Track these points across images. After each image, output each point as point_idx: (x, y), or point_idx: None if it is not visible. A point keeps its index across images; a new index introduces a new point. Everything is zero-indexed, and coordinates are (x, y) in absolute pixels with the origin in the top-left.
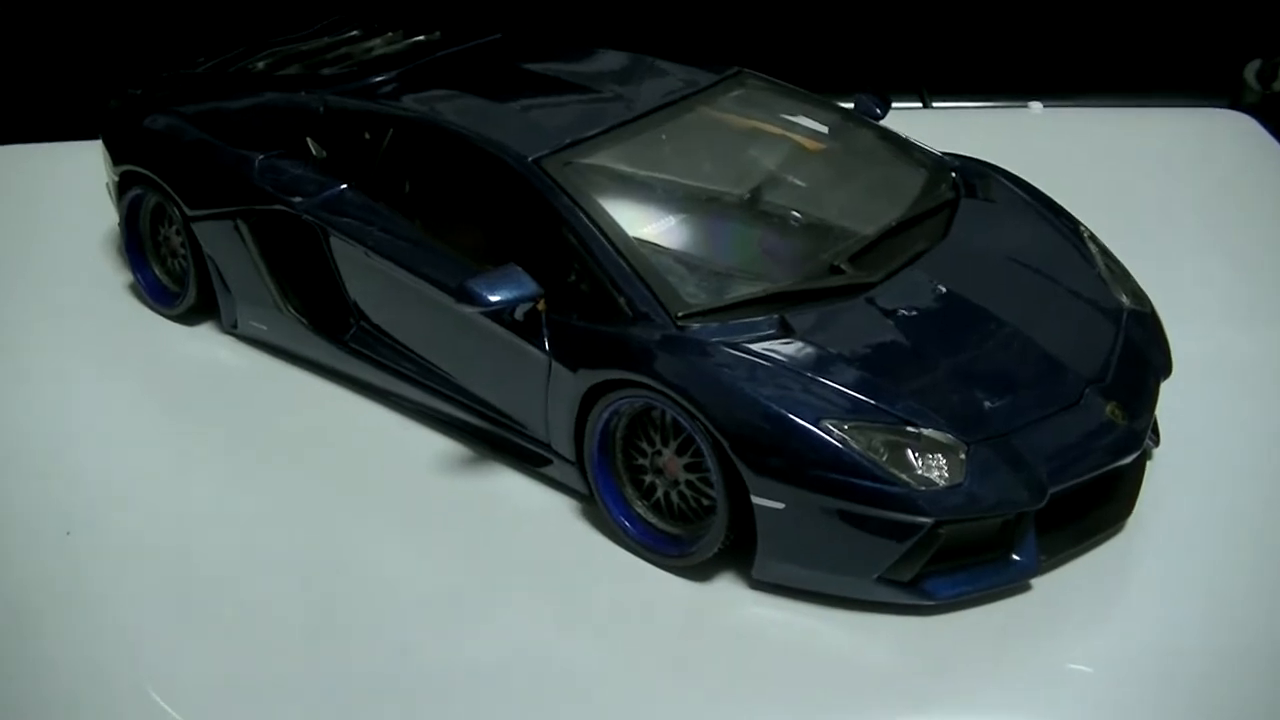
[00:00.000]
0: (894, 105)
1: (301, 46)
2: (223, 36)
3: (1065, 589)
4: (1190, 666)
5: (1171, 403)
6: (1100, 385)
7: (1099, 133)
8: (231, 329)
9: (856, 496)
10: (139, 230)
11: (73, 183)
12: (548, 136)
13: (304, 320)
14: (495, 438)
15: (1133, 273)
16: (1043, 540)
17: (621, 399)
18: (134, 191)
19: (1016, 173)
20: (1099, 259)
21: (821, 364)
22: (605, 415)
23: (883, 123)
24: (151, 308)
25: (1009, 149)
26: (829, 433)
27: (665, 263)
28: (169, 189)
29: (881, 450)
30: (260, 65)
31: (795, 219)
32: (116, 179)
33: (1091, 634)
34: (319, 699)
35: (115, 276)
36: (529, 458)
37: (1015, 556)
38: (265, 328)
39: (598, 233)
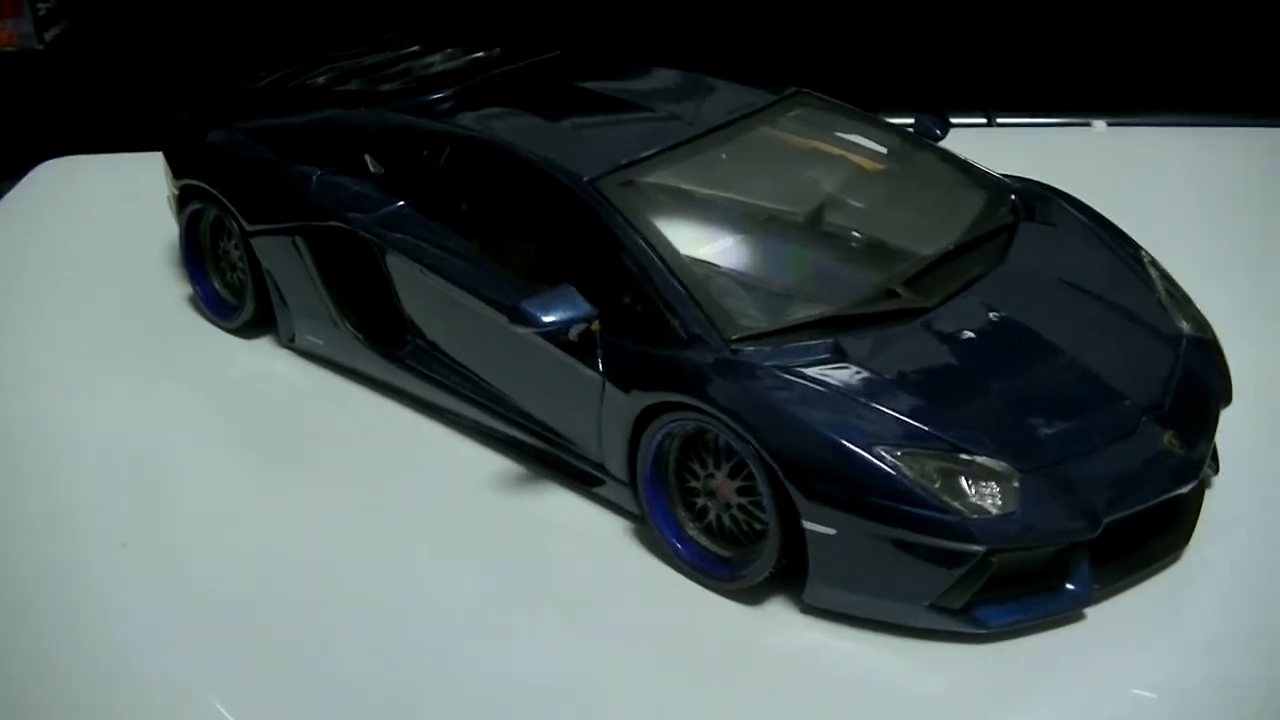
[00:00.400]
0: (957, 123)
1: (362, 62)
2: (286, 51)
3: (1120, 619)
4: (1245, 698)
5: (1232, 430)
6: (1158, 413)
7: (1166, 152)
8: (289, 343)
9: (908, 524)
10: (199, 243)
11: (136, 194)
12: (604, 156)
13: (360, 335)
14: (548, 456)
15: (1196, 296)
16: (1097, 569)
17: (674, 421)
18: (194, 205)
19: (1079, 192)
20: (1159, 284)
21: (875, 389)
22: (658, 437)
23: (943, 143)
24: (210, 320)
25: (1071, 168)
26: (882, 459)
27: (720, 285)
28: (228, 203)
29: (934, 477)
30: (320, 80)
31: (852, 241)
32: (177, 192)
33: (1146, 665)
34: (357, 710)
35: (175, 289)
36: (582, 477)
37: (1069, 585)
38: (322, 342)
39: (652, 254)
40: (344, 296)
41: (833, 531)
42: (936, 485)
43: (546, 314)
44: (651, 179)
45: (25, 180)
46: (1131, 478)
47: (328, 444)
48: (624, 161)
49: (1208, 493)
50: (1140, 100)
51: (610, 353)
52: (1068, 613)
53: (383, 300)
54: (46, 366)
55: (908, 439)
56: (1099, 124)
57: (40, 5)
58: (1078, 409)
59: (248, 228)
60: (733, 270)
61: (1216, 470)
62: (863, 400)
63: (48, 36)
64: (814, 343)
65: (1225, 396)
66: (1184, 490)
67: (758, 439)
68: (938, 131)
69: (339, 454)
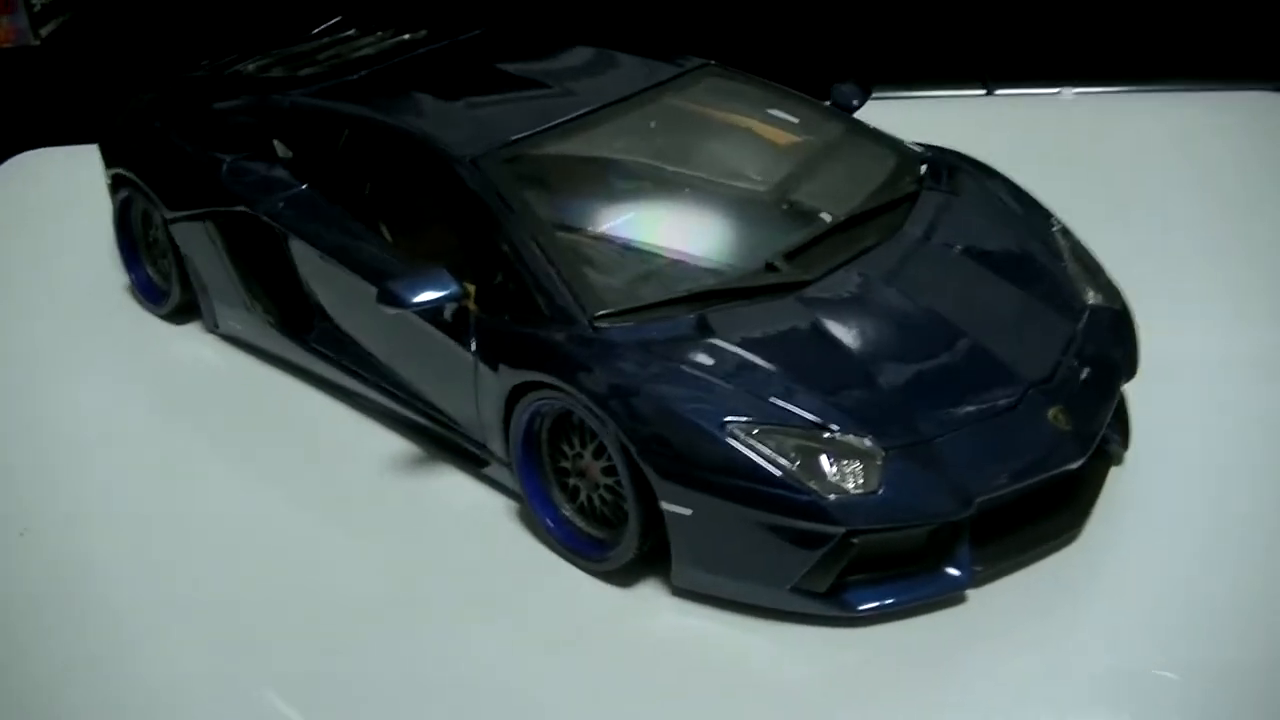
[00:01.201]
0: (947, 94)
1: (295, 49)
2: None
3: (1004, 603)
4: (1136, 688)
5: (1152, 406)
6: (1045, 387)
7: (1133, 118)
8: (214, 329)
9: (763, 504)
10: (132, 230)
11: (96, 184)
12: (491, 134)
13: (271, 320)
14: (440, 438)
15: (1136, 266)
16: (980, 551)
17: (540, 400)
18: (123, 193)
19: (1043, 161)
20: (1067, 254)
21: (736, 366)
22: (526, 417)
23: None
24: (146, 307)
25: (1035, 137)
26: (734, 437)
27: (590, 262)
28: (149, 191)
29: (792, 455)
30: (250, 68)
31: (742, 215)
32: (109, 180)
33: (1029, 651)
34: (232, 693)
35: (119, 276)
36: (470, 458)
37: (948, 568)
38: (240, 327)
39: (523, 231)
40: (256, 282)
41: (688, 512)
42: (795, 464)
43: (413, 294)
44: (537, 155)
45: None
46: (1010, 455)
47: (235, 429)
48: (510, 138)
49: (1114, 471)
50: (1111, 68)
51: (482, 332)
52: (946, 596)
53: (292, 285)
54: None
55: (765, 417)
56: (1067, 91)
57: (35, 1)
58: (957, 384)
59: (167, 215)
60: (608, 247)
61: (1125, 446)
62: (721, 377)
63: (44, 32)
64: (678, 319)
65: (1128, 369)
66: (1070, 468)
67: (612, 418)
68: (855, 102)
69: (244, 438)
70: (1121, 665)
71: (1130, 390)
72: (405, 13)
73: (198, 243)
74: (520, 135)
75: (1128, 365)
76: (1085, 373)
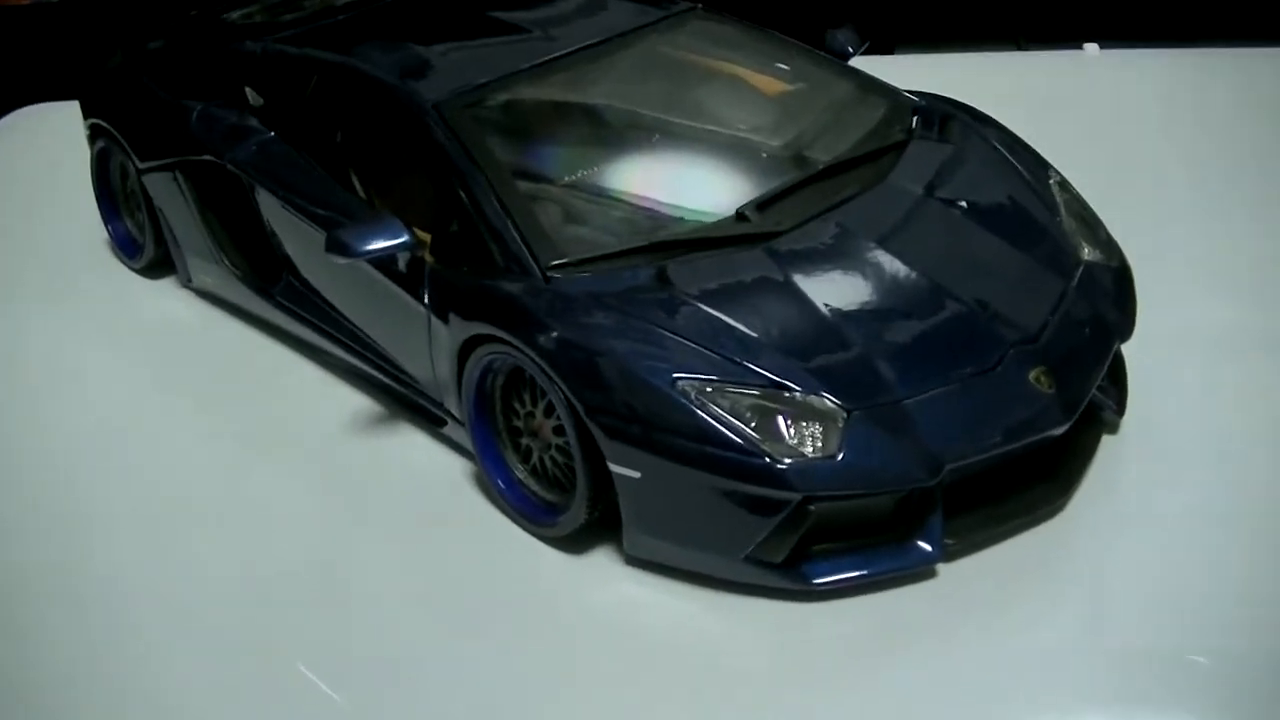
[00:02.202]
0: (979, 53)
1: None
2: None
3: (978, 579)
4: (1110, 673)
5: (1159, 375)
6: (1028, 347)
7: (1159, 76)
8: (187, 284)
9: (713, 466)
10: (110, 183)
11: None
12: (457, 79)
13: (239, 273)
14: (400, 396)
15: (1150, 229)
16: (953, 522)
17: (491, 355)
18: (100, 143)
19: (1065, 119)
20: (1063, 207)
21: (693, 321)
22: (478, 372)
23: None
24: (123, 261)
25: (1058, 94)
26: (686, 395)
27: (549, 210)
28: (123, 140)
29: (748, 416)
30: (235, 16)
31: (718, 163)
32: (88, 131)
33: (1002, 631)
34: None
35: (100, 231)
36: (430, 417)
37: (918, 540)
38: (212, 281)
39: (481, 178)
40: (225, 234)
41: (637, 475)
42: (751, 424)
43: (362, 243)
44: (504, 101)
45: None
46: (986, 419)
47: (200, 387)
48: (475, 83)
49: (1106, 440)
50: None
51: (435, 284)
52: (914, 570)
53: (259, 237)
54: None
55: (720, 374)
56: (1091, 47)
57: None
58: (933, 343)
59: (139, 165)
60: (571, 195)
61: (1120, 413)
62: (675, 332)
63: None
64: (636, 270)
65: (1124, 331)
66: (1053, 434)
67: (559, 373)
68: (849, 49)
69: (207, 396)
70: (1099, 651)
71: (1131, 357)
72: None
73: (169, 194)
74: (486, 80)
75: (1123, 326)
76: (1074, 332)
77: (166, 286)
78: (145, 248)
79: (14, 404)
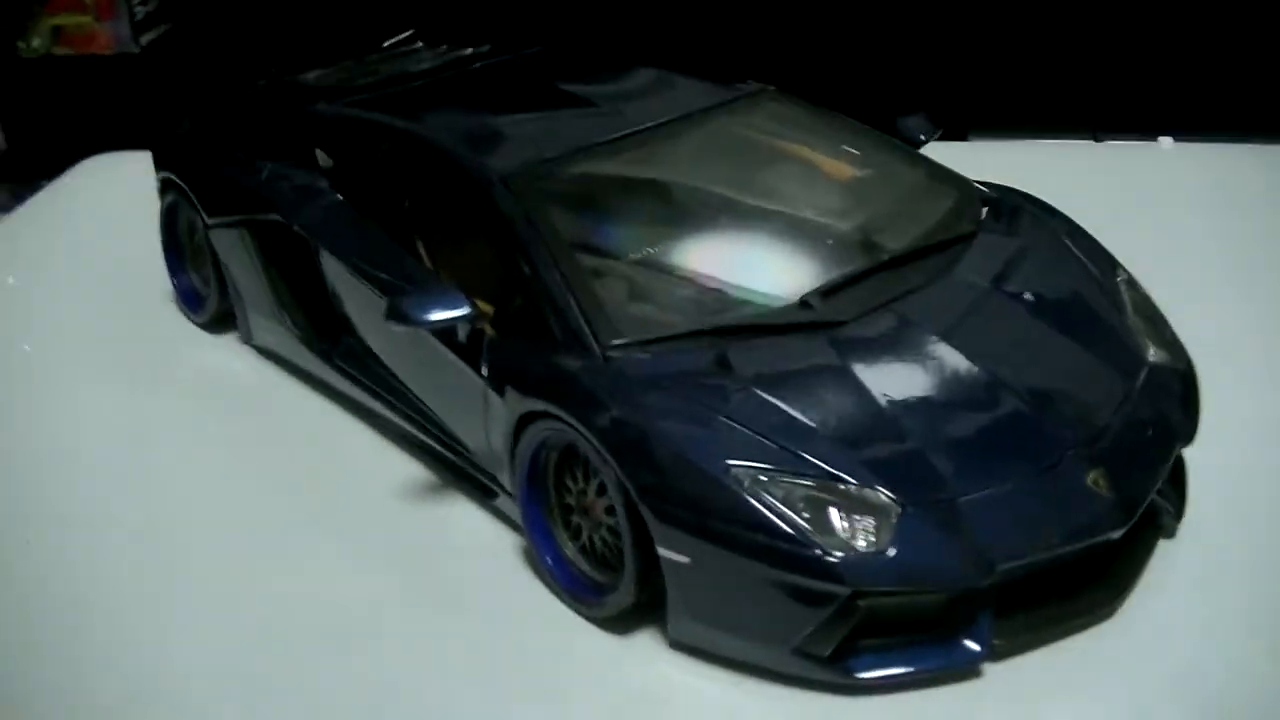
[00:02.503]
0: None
1: (361, 62)
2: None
3: (1023, 680)
4: None
5: (1219, 476)
6: (1088, 449)
7: (1235, 170)
8: (249, 341)
9: (764, 556)
10: (178, 236)
11: None
12: (525, 152)
13: (299, 333)
14: (454, 466)
15: (1214, 325)
16: (1003, 623)
17: (547, 431)
18: (170, 197)
19: (1137, 212)
20: (1130, 306)
21: (751, 407)
22: (533, 448)
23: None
24: (187, 315)
25: (1131, 186)
26: (738, 483)
27: (612, 288)
28: (191, 195)
29: (800, 506)
30: (310, 78)
31: (779, 248)
32: (159, 185)
33: None
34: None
35: (164, 282)
36: (481, 489)
37: (964, 639)
38: (273, 340)
39: (545, 253)
40: (289, 293)
41: (686, 560)
42: (802, 515)
43: (422, 312)
44: (572, 176)
45: (67, 174)
46: (1043, 520)
47: (251, 443)
48: (544, 157)
49: (1163, 544)
50: (1210, 118)
51: (495, 356)
52: (959, 669)
53: (321, 299)
54: (32, 361)
55: (775, 463)
56: (1165, 141)
57: (138, 9)
58: (991, 440)
59: (207, 220)
60: (634, 273)
61: (1179, 518)
62: (731, 418)
63: (144, 40)
64: (696, 353)
65: (1186, 434)
66: (1110, 538)
67: (612, 453)
68: (921, 136)
69: (259, 452)
70: None
71: (1191, 458)
72: (480, 28)
73: (235, 251)
74: (555, 154)
75: (1185, 429)
76: (1135, 435)
77: (227, 342)
78: (209, 303)
79: (67, 450)
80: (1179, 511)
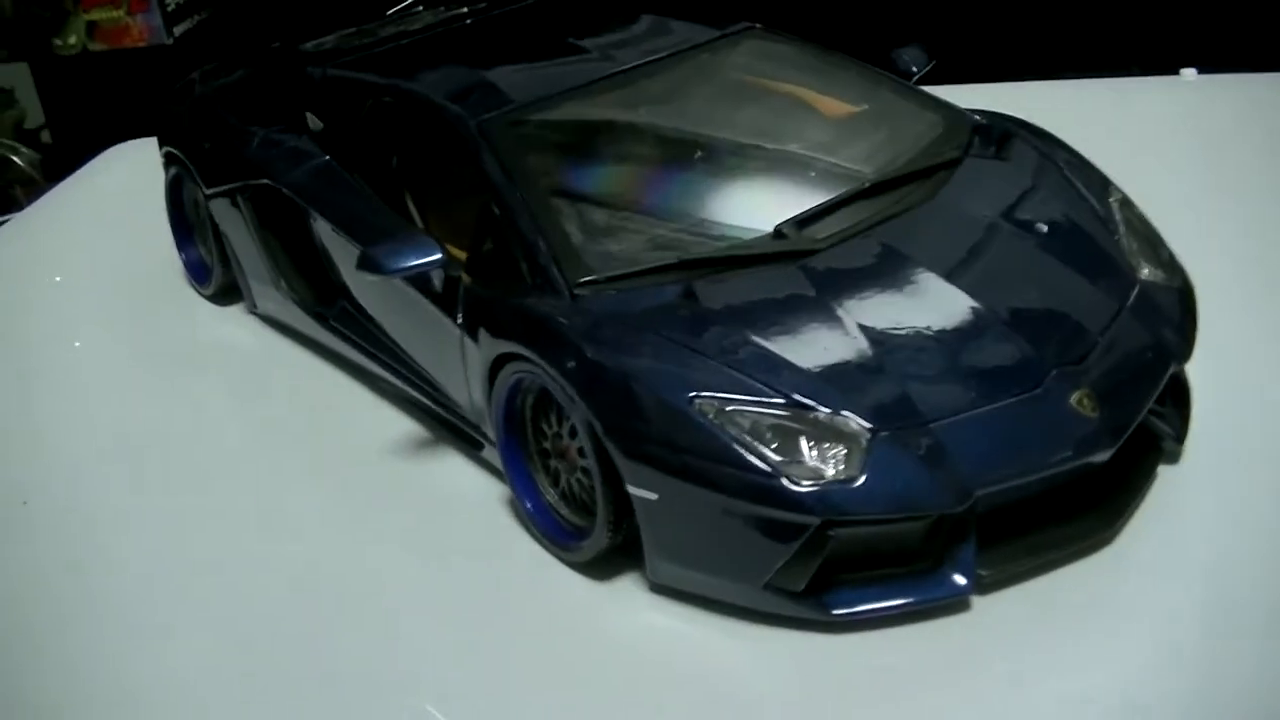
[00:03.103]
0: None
1: (363, 29)
2: None
3: (1013, 614)
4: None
5: (1229, 401)
6: (1072, 369)
7: (1260, 102)
8: (253, 310)
9: (730, 488)
10: (184, 210)
11: None
12: (504, 99)
13: (295, 298)
14: (442, 420)
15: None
16: (989, 553)
17: (519, 374)
18: (172, 171)
19: (1163, 145)
20: (1123, 226)
21: (717, 338)
22: (505, 391)
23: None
24: (195, 288)
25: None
26: (703, 414)
27: (584, 228)
28: (191, 167)
29: (768, 436)
30: (310, 46)
31: (756, 181)
32: (162, 159)
33: (1036, 670)
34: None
35: (175, 259)
36: (469, 440)
37: (949, 571)
38: (274, 307)
39: (515, 194)
40: (285, 258)
41: (655, 497)
42: (771, 445)
43: (392, 260)
44: (548, 120)
45: (90, 163)
46: (1021, 443)
47: (251, 410)
48: (521, 101)
49: (1168, 469)
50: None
51: (468, 302)
52: (943, 602)
53: (315, 261)
54: (47, 347)
55: (741, 393)
56: (1189, 72)
57: (170, 1)
58: (970, 364)
59: (205, 191)
60: (608, 213)
61: (1181, 440)
62: (697, 349)
63: (177, 31)
64: (663, 288)
65: (1181, 354)
66: (1095, 461)
67: (577, 390)
68: (914, 68)
69: (256, 419)
70: (1139, 699)
71: (1197, 381)
72: None
73: (231, 219)
74: (531, 99)
75: (1181, 349)
76: (1124, 355)
77: (233, 313)
78: (214, 274)
79: (80, 416)
80: (1181, 435)
